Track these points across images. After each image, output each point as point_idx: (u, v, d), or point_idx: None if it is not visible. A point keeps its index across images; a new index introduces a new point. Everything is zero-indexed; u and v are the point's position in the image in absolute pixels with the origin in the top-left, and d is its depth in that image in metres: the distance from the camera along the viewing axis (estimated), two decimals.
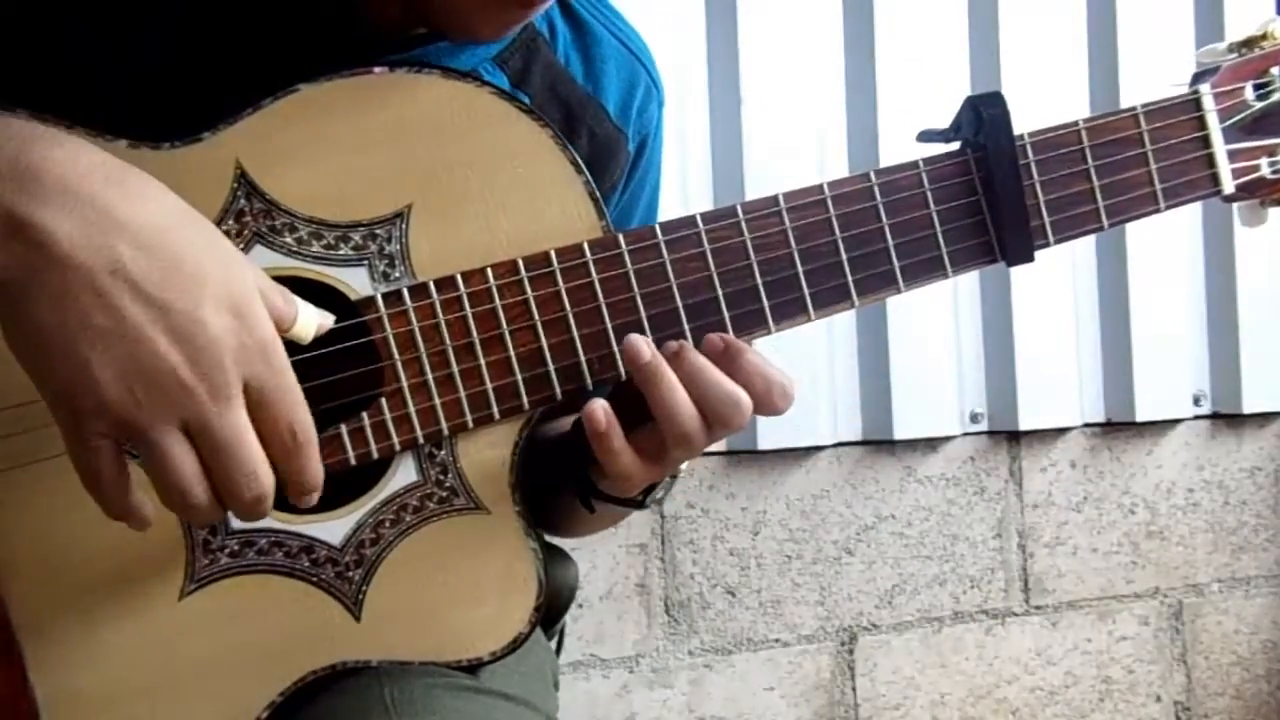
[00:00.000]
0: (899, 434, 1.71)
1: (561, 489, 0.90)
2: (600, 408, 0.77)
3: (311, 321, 0.73)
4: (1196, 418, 1.90)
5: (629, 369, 0.78)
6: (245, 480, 0.66)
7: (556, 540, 1.07)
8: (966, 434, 1.79)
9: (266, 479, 0.67)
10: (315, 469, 0.70)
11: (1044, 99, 1.71)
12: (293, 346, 0.73)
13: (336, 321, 0.76)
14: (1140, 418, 1.83)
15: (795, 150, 1.64)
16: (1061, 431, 1.83)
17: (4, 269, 0.63)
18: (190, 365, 0.64)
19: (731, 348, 0.79)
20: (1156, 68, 1.77)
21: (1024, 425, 1.77)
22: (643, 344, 0.77)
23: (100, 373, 0.63)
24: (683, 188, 1.59)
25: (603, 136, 0.96)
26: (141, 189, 0.67)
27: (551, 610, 1.05)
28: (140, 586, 0.77)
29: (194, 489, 0.66)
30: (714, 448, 1.66)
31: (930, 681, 1.79)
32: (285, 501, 0.78)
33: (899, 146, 1.62)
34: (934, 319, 1.71)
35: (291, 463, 0.68)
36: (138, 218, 0.65)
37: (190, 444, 0.65)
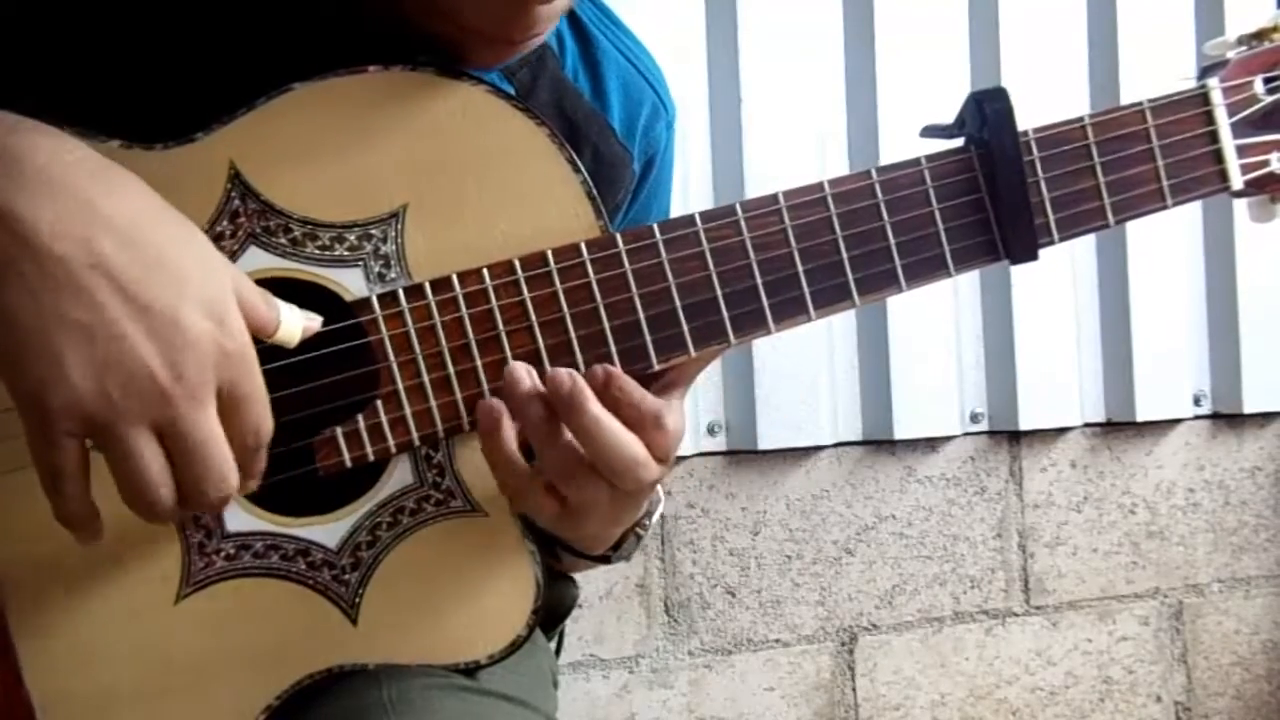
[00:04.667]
0: (899, 434, 1.71)
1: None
2: (491, 404, 0.74)
3: (296, 324, 0.72)
4: (1197, 418, 1.90)
5: (506, 394, 0.74)
6: (214, 484, 0.66)
7: None
8: (967, 434, 1.78)
9: (234, 481, 0.67)
10: (262, 466, 0.70)
11: (1044, 96, 1.70)
12: (287, 350, 0.73)
13: (331, 323, 0.75)
14: (1140, 418, 1.82)
15: (795, 150, 1.63)
16: (1062, 431, 1.83)
17: None
18: (167, 367, 0.64)
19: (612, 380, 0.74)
20: (1157, 64, 1.76)
21: (1024, 425, 1.76)
22: (522, 371, 0.74)
23: (74, 368, 0.62)
24: (683, 188, 1.58)
25: (608, 154, 0.95)
26: (125, 185, 0.66)
27: (551, 618, 1.05)
28: (136, 589, 0.76)
29: (159, 490, 0.65)
30: (714, 448, 1.66)
31: (930, 682, 1.79)
32: (281, 502, 0.77)
33: (899, 146, 1.61)
34: (934, 319, 1.71)
35: (249, 466, 0.69)
36: (121, 213, 0.64)
37: (159, 445, 0.65)
